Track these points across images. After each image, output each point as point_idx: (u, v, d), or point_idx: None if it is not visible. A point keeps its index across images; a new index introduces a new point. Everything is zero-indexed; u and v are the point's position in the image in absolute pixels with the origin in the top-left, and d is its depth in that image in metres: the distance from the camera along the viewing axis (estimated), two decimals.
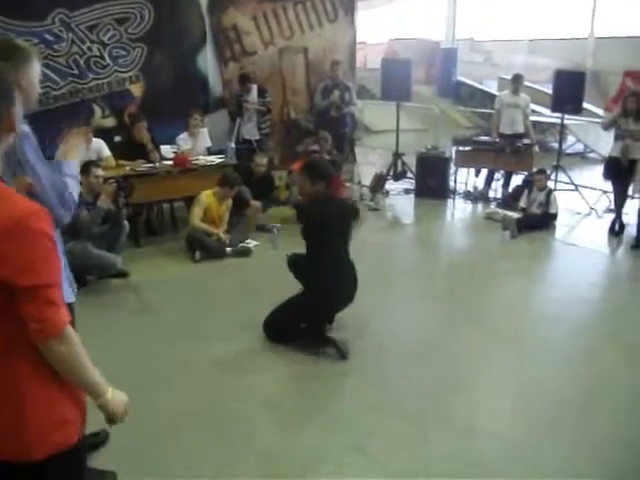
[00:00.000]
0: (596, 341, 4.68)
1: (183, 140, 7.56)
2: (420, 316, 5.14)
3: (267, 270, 6.01)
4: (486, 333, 4.72)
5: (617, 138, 7.48)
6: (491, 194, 9.51)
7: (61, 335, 1.57)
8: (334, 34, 9.51)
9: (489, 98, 16.99)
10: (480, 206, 9.14)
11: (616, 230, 7.69)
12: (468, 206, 9.25)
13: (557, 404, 3.73)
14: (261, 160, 7.75)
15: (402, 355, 4.36)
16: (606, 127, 7.92)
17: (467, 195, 9.57)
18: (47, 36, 7.11)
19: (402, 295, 5.74)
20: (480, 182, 9.73)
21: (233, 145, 7.60)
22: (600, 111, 15.06)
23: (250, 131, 8.16)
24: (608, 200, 8.47)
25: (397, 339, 4.64)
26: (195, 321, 4.91)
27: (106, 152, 6.95)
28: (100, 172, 5.67)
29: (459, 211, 9.15)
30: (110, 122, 7.74)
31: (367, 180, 9.48)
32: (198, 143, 7.65)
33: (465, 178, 9.90)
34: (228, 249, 6.46)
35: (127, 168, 6.80)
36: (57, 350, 1.57)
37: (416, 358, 4.31)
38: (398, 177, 9.69)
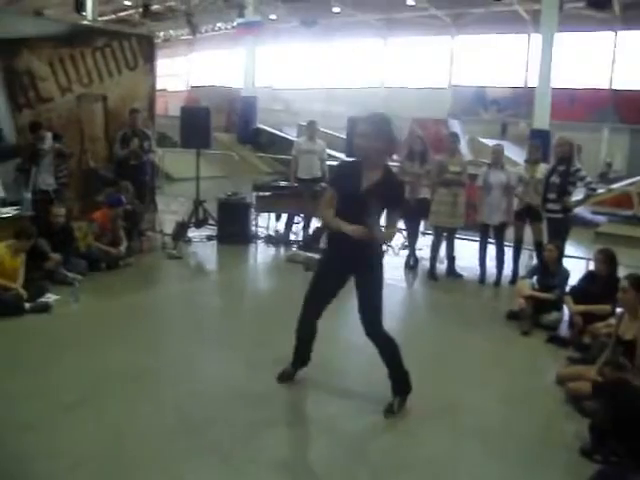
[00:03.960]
0: None
1: None
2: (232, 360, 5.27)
3: (69, 326, 5.85)
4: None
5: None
6: (292, 237, 9.93)
7: None
8: (133, 82, 9.53)
9: (289, 144, 17.69)
10: (282, 249, 9.54)
11: (411, 264, 8.52)
12: (270, 250, 9.61)
13: None
14: (58, 211, 7.46)
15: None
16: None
17: (269, 239, 9.93)
18: None
19: (208, 341, 5.71)
20: (281, 226, 10.15)
21: (29, 196, 7.35)
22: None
23: (46, 181, 7.89)
24: (403, 237, 9.24)
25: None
26: None
27: None
28: None
29: (262, 255, 9.49)
30: None
31: (169, 228, 9.52)
32: None
33: (266, 223, 10.30)
34: (26, 305, 6.19)
35: None
36: None
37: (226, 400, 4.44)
38: (200, 224, 9.73)
